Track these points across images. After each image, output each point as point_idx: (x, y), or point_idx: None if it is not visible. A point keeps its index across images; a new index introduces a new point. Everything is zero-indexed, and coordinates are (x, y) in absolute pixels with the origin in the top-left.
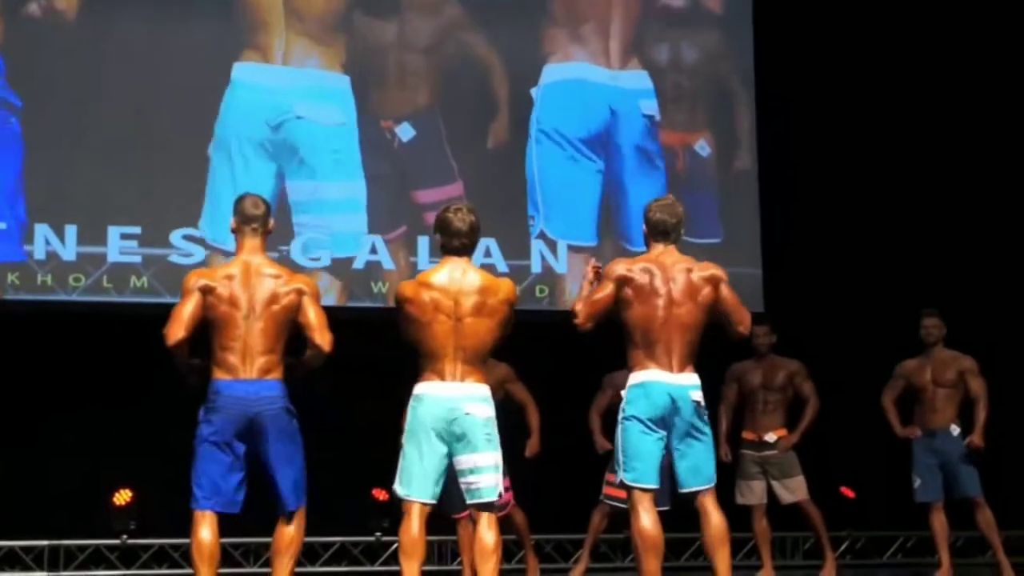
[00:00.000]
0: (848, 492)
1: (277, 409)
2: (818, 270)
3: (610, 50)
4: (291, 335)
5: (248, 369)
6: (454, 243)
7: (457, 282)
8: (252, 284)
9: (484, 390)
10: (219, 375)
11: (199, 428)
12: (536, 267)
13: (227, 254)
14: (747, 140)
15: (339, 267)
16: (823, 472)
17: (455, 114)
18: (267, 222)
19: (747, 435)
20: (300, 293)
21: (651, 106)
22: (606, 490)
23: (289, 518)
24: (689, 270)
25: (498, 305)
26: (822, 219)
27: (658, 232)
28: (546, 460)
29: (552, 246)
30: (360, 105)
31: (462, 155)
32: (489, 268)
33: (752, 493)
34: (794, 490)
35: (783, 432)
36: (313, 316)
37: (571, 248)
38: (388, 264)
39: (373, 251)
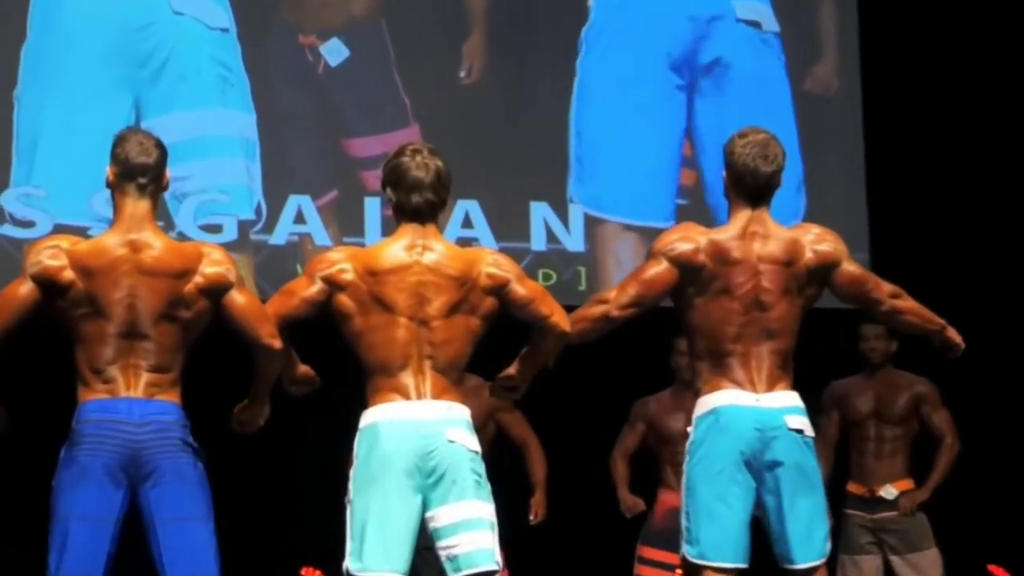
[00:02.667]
0: (1000, 573)
1: (173, 441)
2: (948, 250)
3: None
4: (198, 339)
5: (131, 386)
6: (413, 201)
7: (420, 266)
8: (136, 284)
9: (466, 413)
10: (87, 396)
11: (58, 475)
12: (538, 243)
13: (74, 232)
14: (838, 53)
15: (246, 238)
16: (964, 542)
17: (408, 28)
18: (162, 175)
19: (854, 488)
20: (217, 293)
21: (754, 9)
22: (638, 569)
23: None
24: (791, 246)
25: (482, 296)
26: (951, 177)
27: (745, 187)
28: (554, 525)
29: (578, 219)
30: (262, 12)
31: (419, 87)
32: (469, 245)
33: (862, 573)
34: (924, 570)
35: (907, 484)
36: (247, 312)
37: (624, 228)
38: (322, 238)
39: (299, 219)
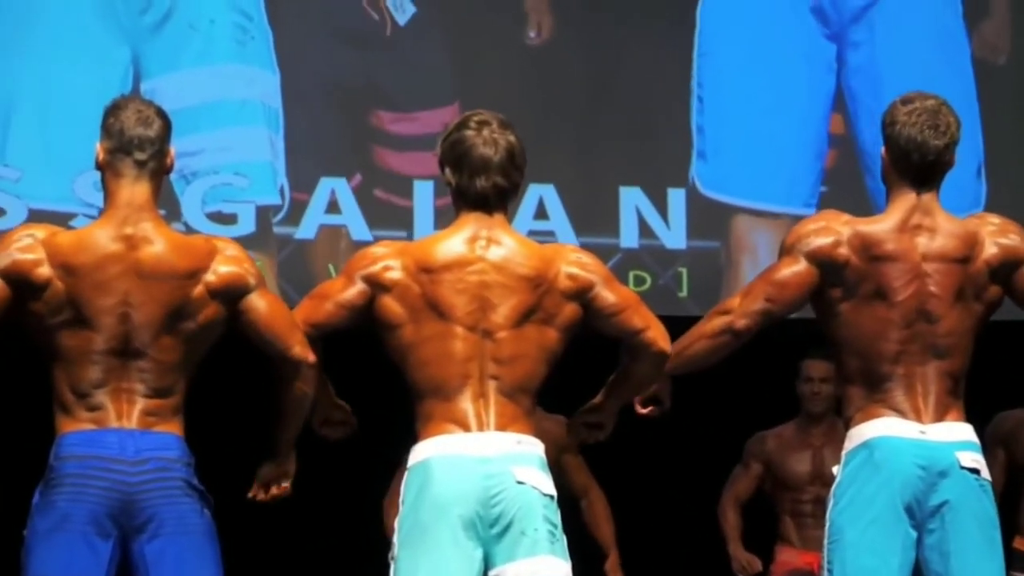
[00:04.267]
0: None
1: (175, 483)
2: None
3: None
4: (206, 355)
5: (123, 414)
6: (477, 185)
7: (484, 263)
8: (131, 289)
9: (539, 448)
10: (69, 426)
11: (31, 523)
12: (629, 239)
13: (54, 220)
14: (1010, 12)
15: (267, 230)
16: None
17: None
18: (165, 151)
19: (1023, 546)
20: (233, 297)
21: None
22: None
23: None
24: (967, 240)
25: (560, 302)
26: None
27: (909, 166)
28: None
29: (679, 208)
30: None
31: (486, 46)
32: (544, 240)
33: None
34: None
35: None
36: (274, 318)
37: (760, 216)
38: (360, 232)
39: (333, 208)
